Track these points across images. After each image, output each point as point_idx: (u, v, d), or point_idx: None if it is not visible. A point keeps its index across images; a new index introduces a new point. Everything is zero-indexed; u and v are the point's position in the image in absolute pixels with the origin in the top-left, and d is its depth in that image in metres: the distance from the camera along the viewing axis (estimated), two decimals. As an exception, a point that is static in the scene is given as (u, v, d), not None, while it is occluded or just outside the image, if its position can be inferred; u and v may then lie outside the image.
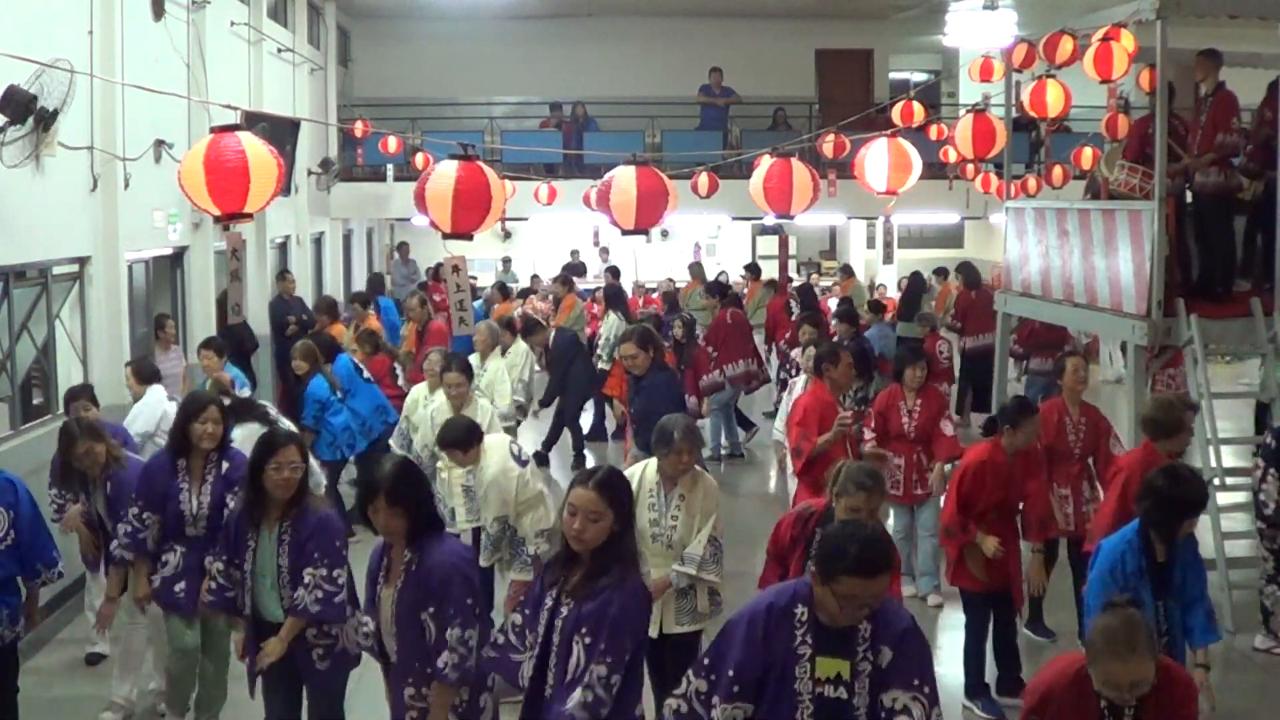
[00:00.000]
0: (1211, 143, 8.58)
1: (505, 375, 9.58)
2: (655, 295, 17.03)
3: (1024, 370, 13.43)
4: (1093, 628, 3.74)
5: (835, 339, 10.18)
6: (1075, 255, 9.42)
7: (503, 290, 15.57)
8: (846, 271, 18.86)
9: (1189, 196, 8.91)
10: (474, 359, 9.46)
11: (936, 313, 14.22)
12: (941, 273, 16.90)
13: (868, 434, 7.93)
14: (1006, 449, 6.31)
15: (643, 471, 5.45)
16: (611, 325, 12.20)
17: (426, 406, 7.95)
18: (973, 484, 6.26)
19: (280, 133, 11.73)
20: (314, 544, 4.86)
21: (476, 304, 13.53)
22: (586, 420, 12.68)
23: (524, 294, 18.57)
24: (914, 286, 14.33)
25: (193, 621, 5.79)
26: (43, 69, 7.07)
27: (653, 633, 4.87)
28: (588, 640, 3.76)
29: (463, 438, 6.35)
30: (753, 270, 17.35)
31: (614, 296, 13.06)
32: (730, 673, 3.55)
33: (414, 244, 22.33)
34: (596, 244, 22.43)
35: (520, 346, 10.39)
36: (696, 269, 16.93)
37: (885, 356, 10.99)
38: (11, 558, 5.31)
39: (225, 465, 5.66)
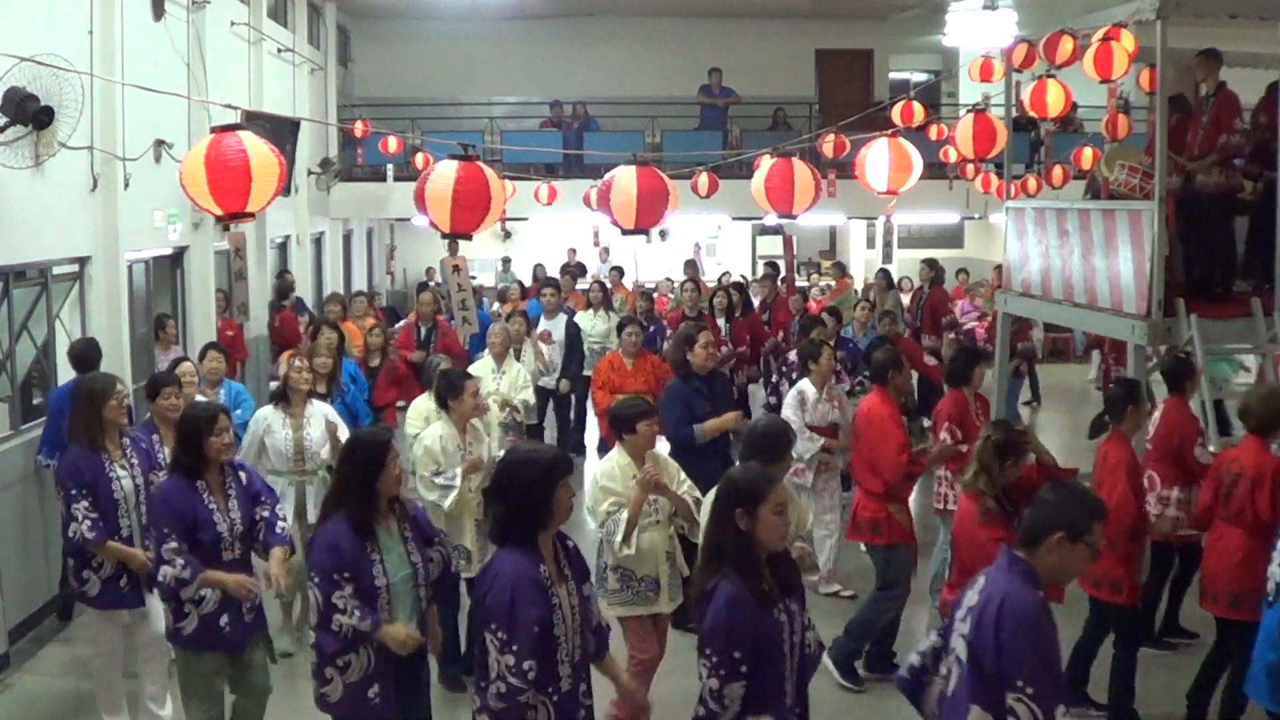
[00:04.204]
0: (1213, 143, 8.57)
1: (526, 377, 9.32)
2: (657, 295, 16.96)
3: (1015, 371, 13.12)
4: None
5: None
6: (1075, 255, 9.41)
7: (521, 289, 15.43)
8: (840, 270, 18.10)
9: (1189, 196, 8.92)
10: (487, 363, 9.28)
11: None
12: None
13: (939, 440, 7.27)
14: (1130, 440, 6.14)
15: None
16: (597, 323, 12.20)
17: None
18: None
19: (280, 132, 11.73)
20: (434, 533, 4.81)
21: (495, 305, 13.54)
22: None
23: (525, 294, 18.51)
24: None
25: (229, 661, 5.16)
26: (42, 69, 7.06)
27: None
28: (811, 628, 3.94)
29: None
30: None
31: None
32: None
33: (412, 244, 22.39)
34: (596, 244, 22.41)
35: (527, 344, 10.21)
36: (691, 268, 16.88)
37: None
38: None
39: (244, 476, 5.25)
